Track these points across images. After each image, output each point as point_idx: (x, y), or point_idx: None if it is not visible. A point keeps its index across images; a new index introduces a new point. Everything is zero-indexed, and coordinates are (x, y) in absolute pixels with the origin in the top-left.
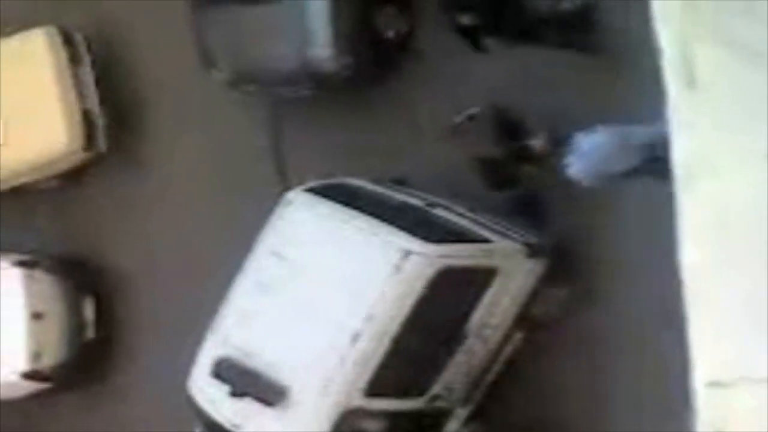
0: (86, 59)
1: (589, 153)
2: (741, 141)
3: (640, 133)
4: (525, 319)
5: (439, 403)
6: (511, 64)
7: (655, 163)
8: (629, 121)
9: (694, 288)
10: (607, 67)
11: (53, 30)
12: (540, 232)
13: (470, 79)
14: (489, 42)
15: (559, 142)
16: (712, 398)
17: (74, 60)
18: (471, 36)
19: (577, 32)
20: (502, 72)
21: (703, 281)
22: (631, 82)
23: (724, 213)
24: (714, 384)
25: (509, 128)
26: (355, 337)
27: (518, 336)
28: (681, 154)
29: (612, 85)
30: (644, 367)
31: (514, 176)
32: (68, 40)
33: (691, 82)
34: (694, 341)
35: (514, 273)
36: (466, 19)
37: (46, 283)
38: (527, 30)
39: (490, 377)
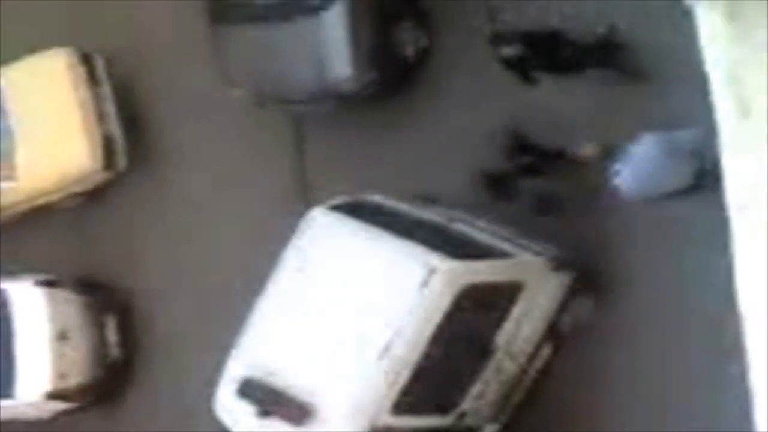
0: (105, 79)
1: (638, 160)
2: None
3: (684, 136)
4: (552, 332)
5: (468, 420)
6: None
7: (706, 177)
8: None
9: (753, 323)
10: (638, 85)
11: (71, 51)
12: (556, 227)
13: (494, 95)
14: (534, 74)
15: (608, 151)
16: None
17: (93, 80)
18: (518, 68)
19: (608, 56)
20: (528, 90)
21: (761, 312)
22: (664, 96)
23: None
24: None
25: (522, 144)
26: (382, 355)
27: (546, 350)
28: (733, 183)
29: (646, 100)
30: (665, 379)
31: (515, 190)
32: (87, 61)
33: (745, 112)
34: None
35: (540, 287)
36: (512, 52)
37: (69, 302)
38: (565, 60)
39: (519, 393)
